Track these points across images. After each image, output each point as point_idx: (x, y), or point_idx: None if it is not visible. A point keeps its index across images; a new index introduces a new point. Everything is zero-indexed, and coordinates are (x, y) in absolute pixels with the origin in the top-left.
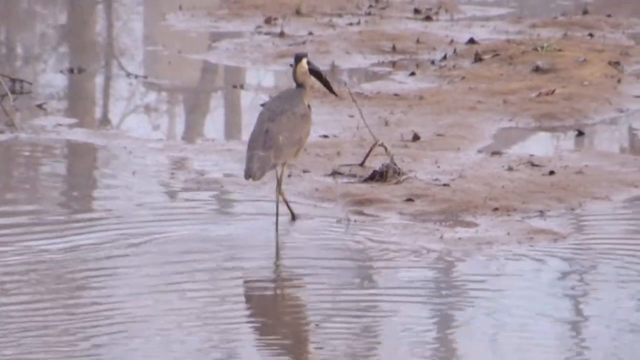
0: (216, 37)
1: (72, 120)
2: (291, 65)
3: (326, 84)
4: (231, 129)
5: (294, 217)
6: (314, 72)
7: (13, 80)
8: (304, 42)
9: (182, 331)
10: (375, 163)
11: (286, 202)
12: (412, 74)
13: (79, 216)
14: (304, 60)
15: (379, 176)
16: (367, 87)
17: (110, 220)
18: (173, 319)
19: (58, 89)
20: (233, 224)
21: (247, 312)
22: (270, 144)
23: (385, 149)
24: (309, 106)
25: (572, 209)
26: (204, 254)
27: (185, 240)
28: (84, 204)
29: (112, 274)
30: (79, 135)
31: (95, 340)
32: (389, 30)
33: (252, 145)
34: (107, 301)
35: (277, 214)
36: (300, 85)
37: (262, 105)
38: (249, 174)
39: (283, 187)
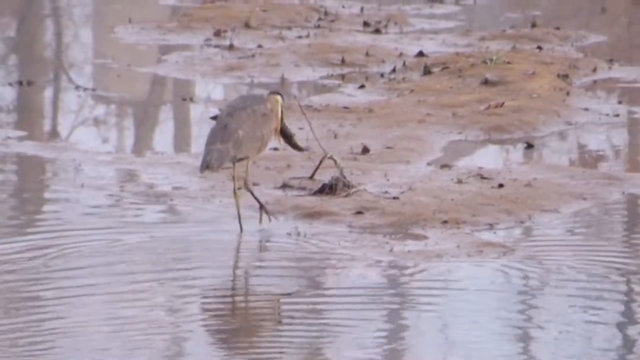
0: (166, 50)
1: (22, 133)
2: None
3: (292, 145)
4: (180, 142)
5: (262, 206)
6: (285, 137)
7: None
8: (253, 55)
9: (122, 338)
10: (325, 176)
11: (251, 193)
12: (362, 86)
13: (26, 229)
14: (278, 97)
15: (328, 189)
16: (317, 99)
17: (57, 229)
18: (110, 327)
19: (7, 102)
20: (182, 234)
21: (192, 319)
22: (229, 138)
23: (335, 161)
24: (272, 110)
25: (521, 222)
26: (152, 264)
27: (132, 249)
28: (31, 216)
29: (47, 282)
30: (28, 148)
31: (27, 348)
32: (338, 43)
33: (210, 140)
34: (41, 310)
35: (239, 214)
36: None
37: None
38: (205, 166)
39: (248, 184)
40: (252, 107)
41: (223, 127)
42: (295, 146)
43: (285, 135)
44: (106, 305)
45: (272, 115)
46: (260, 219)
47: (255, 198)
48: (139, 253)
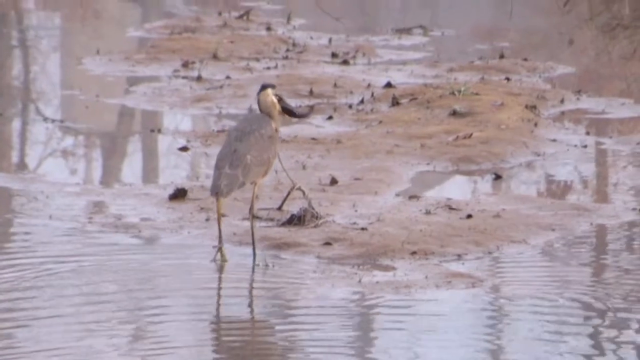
0: (134, 81)
1: None
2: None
3: (298, 115)
4: (149, 173)
5: (254, 245)
6: (286, 111)
7: None
8: (221, 86)
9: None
10: (293, 207)
11: (252, 223)
12: (330, 117)
13: None
14: (269, 90)
15: (297, 220)
16: (285, 130)
17: (23, 256)
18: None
19: None
20: (149, 265)
21: (153, 346)
22: (238, 163)
23: (303, 192)
24: (276, 130)
25: (490, 253)
26: (120, 293)
27: (100, 275)
28: None
29: (9, 312)
30: None
31: None
32: (307, 74)
33: (219, 164)
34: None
35: (253, 238)
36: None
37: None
38: (215, 190)
39: (254, 210)
40: (259, 130)
41: (232, 152)
42: (300, 115)
43: (290, 112)
44: (70, 334)
45: (277, 135)
46: (254, 256)
47: (252, 230)
48: (103, 280)
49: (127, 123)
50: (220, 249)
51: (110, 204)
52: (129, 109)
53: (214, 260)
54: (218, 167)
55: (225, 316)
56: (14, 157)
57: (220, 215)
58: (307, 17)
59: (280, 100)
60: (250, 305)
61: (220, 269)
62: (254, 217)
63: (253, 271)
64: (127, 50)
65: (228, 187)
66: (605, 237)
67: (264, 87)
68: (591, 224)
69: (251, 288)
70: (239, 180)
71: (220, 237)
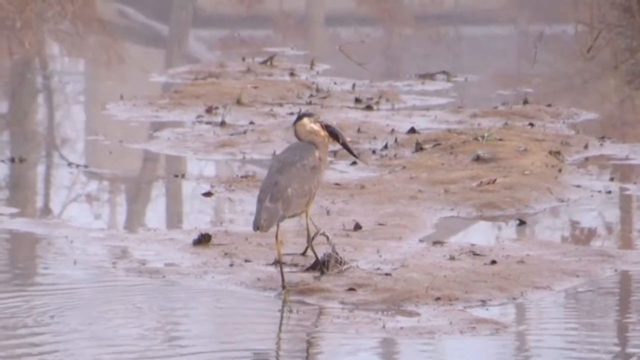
0: (157, 126)
1: (13, 210)
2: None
3: (345, 147)
4: (173, 218)
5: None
6: (333, 135)
7: None
8: (245, 132)
9: None
10: (317, 252)
11: (312, 248)
12: (354, 163)
13: (19, 304)
14: (305, 120)
15: (320, 265)
16: None
17: (48, 301)
18: None
19: None
20: (174, 312)
21: None
22: (279, 196)
23: (327, 238)
24: (320, 159)
25: (514, 299)
26: (144, 340)
27: (120, 322)
28: (23, 292)
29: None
30: (20, 224)
31: None
32: (330, 119)
33: (260, 197)
34: None
35: (316, 256)
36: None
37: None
38: (256, 226)
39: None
40: (301, 161)
41: (273, 184)
42: (344, 145)
43: (336, 136)
44: None
45: (321, 165)
46: (322, 271)
47: (315, 253)
48: (127, 325)
49: (150, 168)
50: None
51: (135, 249)
52: (153, 154)
53: (281, 294)
54: (259, 200)
55: None
56: (38, 202)
57: (280, 247)
58: (331, 63)
59: (327, 126)
60: (276, 351)
61: (246, 314)
62: (308, 249)
63: (281, 317)
64: (151, 96)
65: (268, 221)
66: (629, 283)
67: (300, 117)
68: (615, 270)
69: (278, 334)
70: (279, 214)
71: (281, 271)
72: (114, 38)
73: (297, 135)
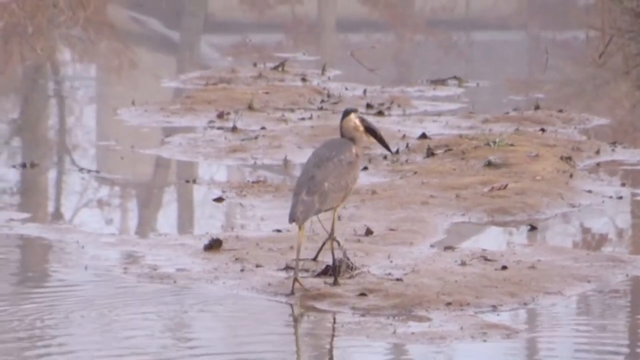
0: (169, 132)
1: (25, 215)
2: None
3: (382, 142)
4: (184, 224)
5: (334, 267)
6: (370, 130)
7: None
8: (256, 137)
9: None
10: (328, 257)
11: (332, 254)
12: (365, 168)
13: (30, 308)
14: (352, 115)
15: (332, 271)
16: None
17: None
18: None
19: (10, 184)
20: (184, 317)
21: None
22: (315, 190)
23: (338, 243)
24: (357, 155)
25: (525, 304)
26: (154, 344)
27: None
28: (34, 297)
29: None
30: (32, 230)
31: None
32: None
33: (297, 190)
34: None
35: (334, 262)
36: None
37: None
38: (292, 218)
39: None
40: (338, 156)
41: (310, 178)
42: (381, 141)
43: (373, 132)
44: None
45: (358, 161)
46: (336, 279)
47: (332, 255)
48: (138, 330)
49: (162, 174)
50: (296, 280)
51: (146, 254)
52: (164, 160)
53: (292, 292)
54: (296, 194)
55: None
56: (50, 208)
57: (300, 244)
58: (342, 68)
59: (363, 120)
60: (287, 357)
61: (257, 320)
62: (331, 245)
63: (292, 322)
64: (163, 101)
65: (304, 213)
66: None
67: (347, 112)
68: (627, 275)
69: (289, 339)
70: (315, 206)
71: (296, 267)
72: (125, 44)
73: (342, 131)
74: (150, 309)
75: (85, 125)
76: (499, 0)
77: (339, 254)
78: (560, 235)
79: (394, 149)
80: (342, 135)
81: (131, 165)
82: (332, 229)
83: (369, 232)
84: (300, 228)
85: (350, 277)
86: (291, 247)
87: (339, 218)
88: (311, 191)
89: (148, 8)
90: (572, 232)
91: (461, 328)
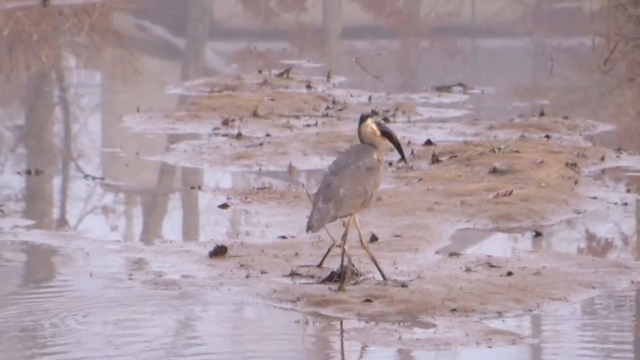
0: (174, 139)
1: (30, 222)
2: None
3: (398, 147)
4: (189, 231)
5: (384, 277)
6: (386, 134)
7: None
8: (261, 144)
9: None
10: (334, 264)
11: (372, 258)
12: None
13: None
14: (369, 120)
15: (337, 277)
16: None
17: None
18: None
19: (16, 191)
20: (190, 324)
21: None
22: (331, 197)
23: (344, 250)
24: (379, 160)
25: (531, 311)
26: (159, 351)
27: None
28: (38, 305)
29: None
30: (37, 237)
31: None
32: (347, 131)
33: (315, 199)
34: None
35: (378, 267)
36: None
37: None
38: (308, 227)
39: (364, 240)
40: (357, 163)
41: (327, 186)
42: (397, 146)
43: (390, 136)
44: None
45: (380, 166)
46: (341, 285)
47: (373, 259)
48: (143, 336)
49: (167, 181)
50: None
51: (151, 261)
52: (170, 167)
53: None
54: (314, 203)
55: None
56: (55, 215)
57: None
58: (347, 75)
59: (379, 125)
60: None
61: (263, 326)
62: (367, 250)
63: (297, 329)
64: (168, 108)
65: (319, 221)
66: None
67: (363, 118)
68: (632, 282)
69: (294, 346)
70: (331, 214)
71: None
72: (130, 51)
73: (361, 137)
74: (155, 316)
75: (91, 133)
76: (504, 7)
77: (344, 261)
78: (565, 241)
79: (399, 156)
80: (362, 141)
81: (136, 172)
82: (346, 234)
83: (374, 238)
84: (365, 248)
85: (356, 283)
86: (296, 254)
87: (344, 224)
88: (327, 199)
89: (153, 15)
90: (577, 239)
91: (466, 334)
